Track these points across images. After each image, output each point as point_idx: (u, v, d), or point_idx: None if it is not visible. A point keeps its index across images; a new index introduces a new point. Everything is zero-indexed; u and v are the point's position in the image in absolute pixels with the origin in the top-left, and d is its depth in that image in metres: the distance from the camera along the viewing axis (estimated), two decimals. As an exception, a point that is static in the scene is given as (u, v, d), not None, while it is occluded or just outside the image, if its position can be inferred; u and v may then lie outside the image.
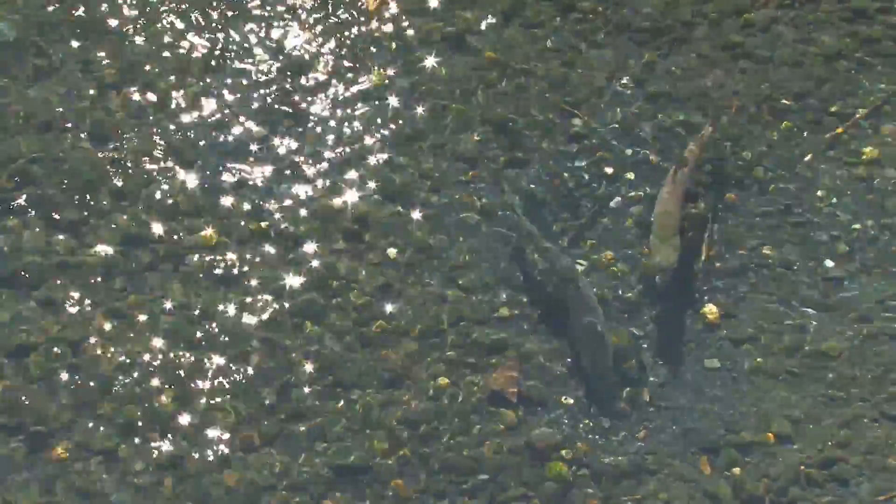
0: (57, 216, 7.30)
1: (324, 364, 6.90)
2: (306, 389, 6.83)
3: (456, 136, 7.66)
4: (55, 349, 6.89)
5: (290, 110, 7.73)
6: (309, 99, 7.78)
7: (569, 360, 6.91)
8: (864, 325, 7.03)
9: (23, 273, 7.11)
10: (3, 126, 7.59)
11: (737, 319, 7.05)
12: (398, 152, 7.60)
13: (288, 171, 7.52)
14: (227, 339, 6.97)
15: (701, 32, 8.04)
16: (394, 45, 7.98)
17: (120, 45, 7.91)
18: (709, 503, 6.55)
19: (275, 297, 7.09)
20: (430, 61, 7.91)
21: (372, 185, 7.47)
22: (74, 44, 7.90)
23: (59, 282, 7.09)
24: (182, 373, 6.86)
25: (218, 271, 7.17)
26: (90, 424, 6.70)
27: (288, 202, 7.40)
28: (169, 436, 6.69)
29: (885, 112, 7.72)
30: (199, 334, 6.97)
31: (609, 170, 7.54)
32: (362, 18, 8.07)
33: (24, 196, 7.37)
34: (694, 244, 7.21)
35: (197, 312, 7.03)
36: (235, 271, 7.17)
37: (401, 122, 7.70)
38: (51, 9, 8.01)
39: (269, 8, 8.09)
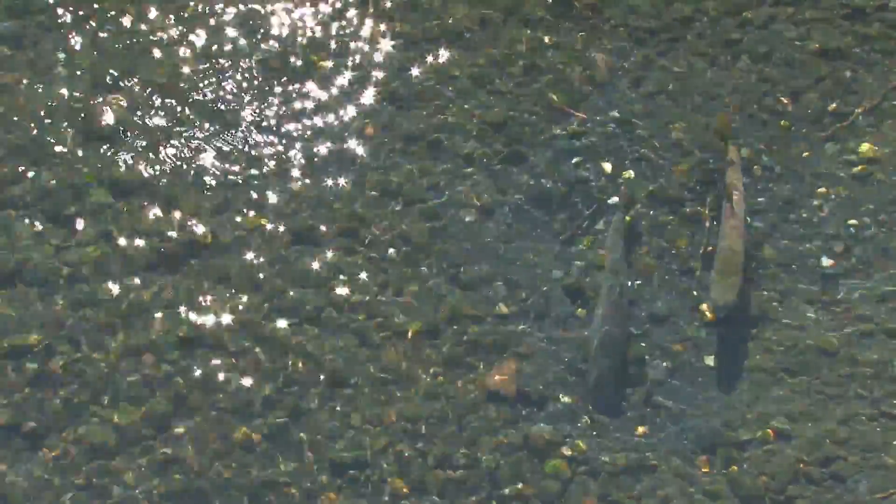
0: (54, 213, 7.32)
1: (322, 362, 6.90)
2: (304, 387, 6.83)
3: (454, 133, 7.66)
4: (52, 347, 6.90)
5: (288, 109, 7.74)
6: (306, 97, 7.78)
7: (567, 358, 6.92)
8: (862, 322, 7.03)
9: (20, 270, 7.12)
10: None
11: (735, 316, 7.04)
12: (396, 150, 7.60)
13: (286, 170, 7.52)
14: (225, 337, 6.97)
15: (699, 30, 8.04)
16: (393, 42, 7.98)
17: (117, 44, 7.94)
18: (707, 501, 6.55)
19: (272, 295, 7.09)
20: (429, 58, 7.92)
21: (370, 182, 7.48)
22: (72, 42, 7.92)
23: (56, 279, 7.10)
24: (179, 370, 6.86)
25: (215, 270, 7.17)
26: (88, 423, 6.70)
27: (286, 200, 7.41)
28: (167, 434, 6.69)
29: (883, 110, 7.72)
30: (195, 333, 6.97)
31: (608, 167, 7.55)
32: (361, 16, 8.09)
33: (22, 193, 7.38)
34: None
35: (195, 312, 7.04)
36: (233, 269, 7.17)
37: (399, 119, 7.70)
38: (49, 8, 8.03)
39: (267, 6, 8.10)
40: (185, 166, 7.52)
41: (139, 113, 7.70)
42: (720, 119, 7.56)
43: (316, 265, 7.20)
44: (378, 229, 7.32)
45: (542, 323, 7.05)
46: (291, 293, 7.10)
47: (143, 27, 8.00)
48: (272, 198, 7.42)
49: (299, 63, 7.90)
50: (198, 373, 6.85)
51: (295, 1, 8.11)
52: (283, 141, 7.62)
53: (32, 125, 7.61)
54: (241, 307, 7.05)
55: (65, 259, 7.17)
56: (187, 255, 7.21)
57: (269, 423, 6.72)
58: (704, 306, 7.05)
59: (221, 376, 6.85)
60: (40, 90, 7.73)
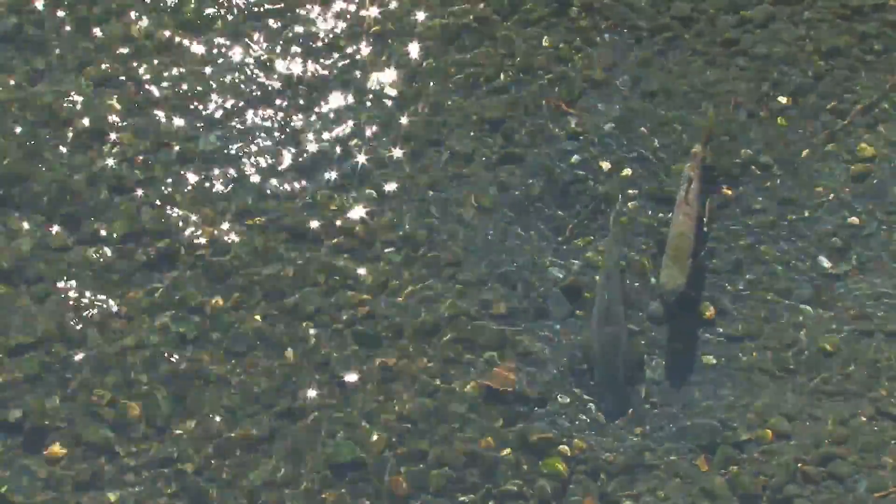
0: (53, 212, 7.31)
1: (321, 361, 6.90)
2: (303, 386, 6.82)
3: (453, 132, 7.65)
4: (51, 345, 6.89)
5: (288, 107, 7.73)
6: (305, 95, 7.78)
7: (565, 357, 6.92)
8: (860, 321, 7.03)
9: (19, 269, 7.12)
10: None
11: (733, 316, 7.05)
12: (395, 148, 7.60)
13: (285, 169, 7.52)
14: (223, 335, 6.96)
15: (698, 29, 8.04)
16: (391, 41, 7.97)
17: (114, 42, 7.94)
18: (706, 500, 6.55)
19: (271, 294, 7.09)
20: (428, 57, 7.91)
21: (368, 181, 7.47)
22: (71, 41, 7.92)
23: (54, 278, 7.09)
24: (178, 370, 6.86)
25: (214, 268, 7.16)
26: (87, 420, 6.69)
27: (284, 199, 7.40)
28: (166, 434, 6.69)
29: (882, 109, 7.72)
30: (195, 331, 6.97)
31: (606, 166, 7.55)
32: (359, 14, 8.08)
33: (21, 192, 7.38)
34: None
35: (194, 309, 7.03)
36: (232, 268, 7.17)
37: (397, 118, 7.70)
38: (47, 5, 8.02)
39: (265, 5, 8.08)
40: (184, 165, 7.52)
41: (138, 111, 7.70)
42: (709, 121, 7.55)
43: (314, 264, 7.19)
44: (376, 228, 7.31)
45: (540, 322, 7.05)
46: (290, 292, 7.09)
47: (143, 27, 8.00)
48: (272, 197, 7.41)
49: (298, 62, 7.89)
50: (198, 372, 6.84)
51: (294, 2, 8.09)
52: (282, 140, 7.61)
53: (31, 124, 7.62)
54: (240, 306, 7.05)
55: (65, 258, 7.16)
56: (187, 253, 7.20)
57: (268, 422, 6.72)
58: (703, 306, 7.05)
59: (221, 375, 6.84)
60: (40, 87, 7.74)
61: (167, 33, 7.95)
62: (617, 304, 6.88)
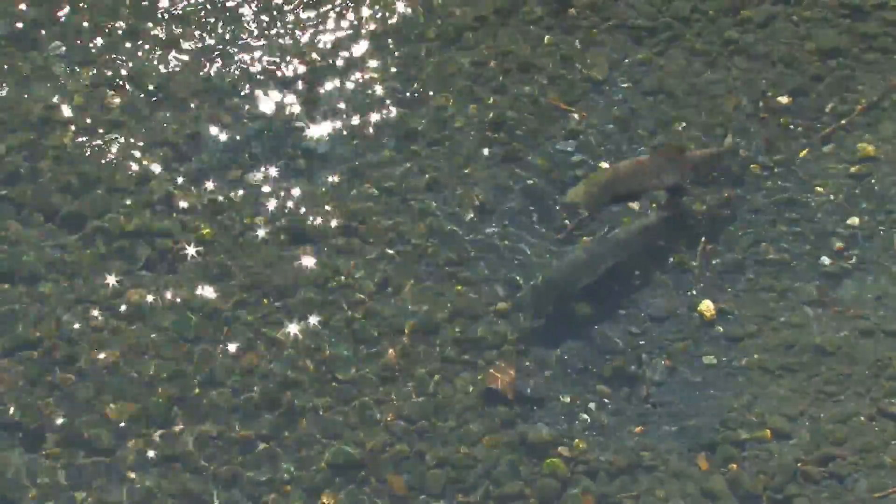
0: (52, 211, 7.31)
1: (320, 360, 6.90)
2: (303, 386, 6.82)
3: (453, 132, 7.66)
4: (51, 346, 6.89)
5: (286, 107, 7.74)
6: (305, 94, 7.78)
7: (566, 357, 6.93)
8: (861, 321, 7.03)
9: (19, 269, 7.12)
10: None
11: (734, 316, 7.05)
12: (395, 148, 7.60)
13: (284, 168, 7.52)
14: (222, 335, 6.96)
15: (697, 29, 8.05)
16: (391, 40, 7.98)
17: (113, 42, 7.94)
18: (706, 500, 6.55)
19: (271, 294, 7.09)
20: (428, 57, 7.91)
21: (369, 180, 7.47)
22: (69, 40, 7.93)
23: (54, 277, 7.09)
24: (178, 369, 6.86)
25: (214, 267, 7.16)
26: (87, 420, 6.69)
27: (284, 198, 7.40)
28: (165, 432, 6.68)
29: (882, 109, 7.72)
30: (195, 332, 6.96)
31: (606, 167, 7.54)
32: (360, 14, 8.09)
33: (21, 191, 7.38)
34: (690, 240, 7.25)
35: (192, 309, 7.03)
36: (231, 267, 7.17)
37: (398, 117, 7.70)
38: (43, 6, 8.04)
39: (265, 5, 8.09)
40: (184, 164, 7.53)
41: (138, 110, 7.71)
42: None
43: (314, 263, 7.19)
44: (376, 227, 7.31)
45: (540, 321, 7.04)
46: (289, 292, 7.09)
47: (140, 23, 8.02)
48: (271, 196, 7.41)
49: (297, 62, 7.90)
50: (198, 372, 6.84)
51: (293, 2, 8.10)
52: (282, 140, 7.62)
53: (30, 123, 7.63)
54: (239, 306, 7.05)
55: (64, 257, 7.16)
56: (187, 253, 7.20)
57: (268, 422, 6.71)
58: (703, 306, 7.06)
59: (220, 375, 6.84)
60: (40, 87, 7.75)
61: (167, 29, 7.96)
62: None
